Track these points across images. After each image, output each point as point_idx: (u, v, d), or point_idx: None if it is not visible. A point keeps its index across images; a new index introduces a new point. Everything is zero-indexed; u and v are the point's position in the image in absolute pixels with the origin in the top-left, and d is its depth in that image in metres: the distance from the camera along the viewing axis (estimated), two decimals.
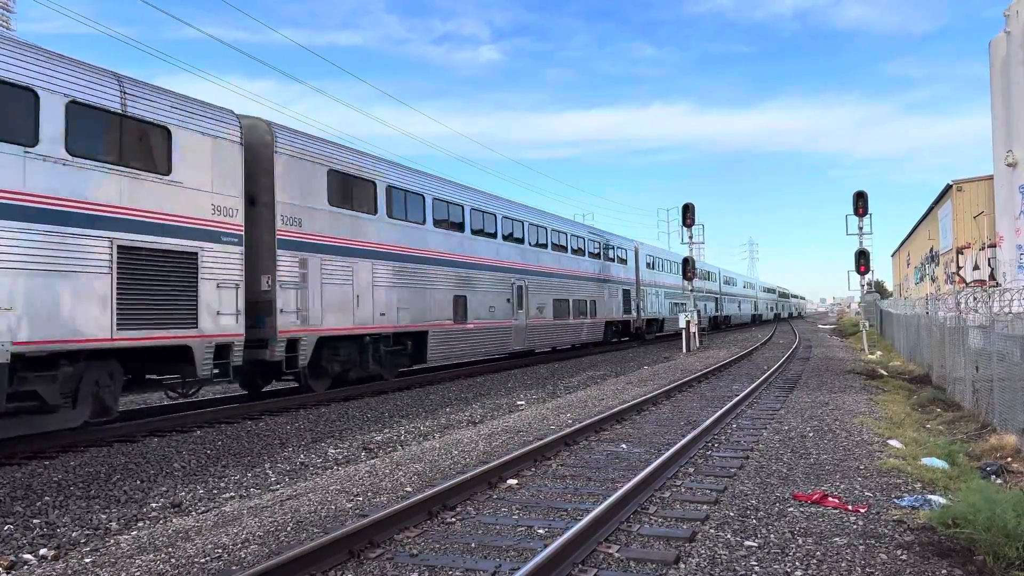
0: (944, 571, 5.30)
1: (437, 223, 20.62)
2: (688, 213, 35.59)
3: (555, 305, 28.01)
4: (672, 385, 16.89)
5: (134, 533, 6.97)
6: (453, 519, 6.78)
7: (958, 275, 28.62)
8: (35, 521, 7.45)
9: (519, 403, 15.80)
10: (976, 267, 27.74)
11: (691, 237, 36.02)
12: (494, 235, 24.08)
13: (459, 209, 21.84)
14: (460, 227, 22.00)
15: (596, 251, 33.51)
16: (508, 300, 24.10)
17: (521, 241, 25.91)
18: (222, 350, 12.91)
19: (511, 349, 24.80)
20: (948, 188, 29.78)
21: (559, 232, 29.57)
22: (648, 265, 41.64)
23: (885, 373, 20.96)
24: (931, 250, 35.99)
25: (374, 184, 17.81)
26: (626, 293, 37.15)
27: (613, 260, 35.62)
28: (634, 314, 38.36)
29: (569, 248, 30.33)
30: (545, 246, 27.86)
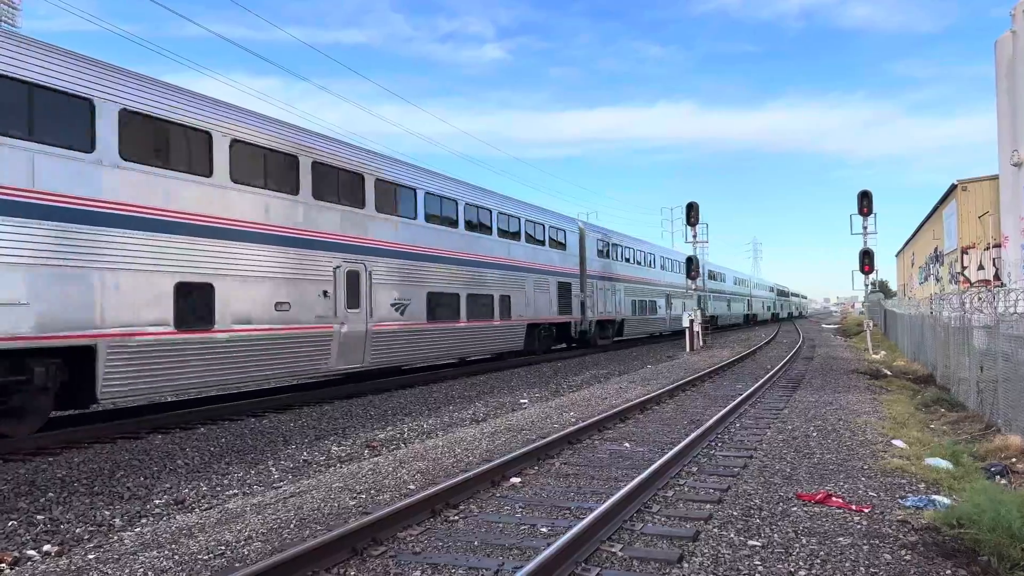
0: (948, 571, 5.28)
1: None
2: (692, 212, 35.54)
3: (431, 301, 19.69)
4: (675, 384, 16.86)
5: (137, 530, 6.98)
6: (456, 517, 6.77)
7: (963, 275, 28.55)
8: (39, 517, 7.46)
9: (522, 401, 15.80)
10: (981, 267, 27.68)
11: (695, 236, 35.96)
12: (288, 187, 15.07)
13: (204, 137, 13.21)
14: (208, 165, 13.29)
15: (512, 229, 25.08)
16: (325, 293, 15.72)
17: (360, 203, 17.23)
18: None
19: (332, 369, 16.26)
20: (953, 188, 29.71)
21: (441, 198, 20.81)
22: (600, 252, 33.67)
23: (889, 373, 20.92)
24: (936, 250, 35.91)
25: None
26: (564, 287, 28.92)
27: (543, 243, 27.52)
28: (578, 314, 30.36)
29: (462, 221, 21.66)
30: (412, 215, 19.30)
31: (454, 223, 21.31)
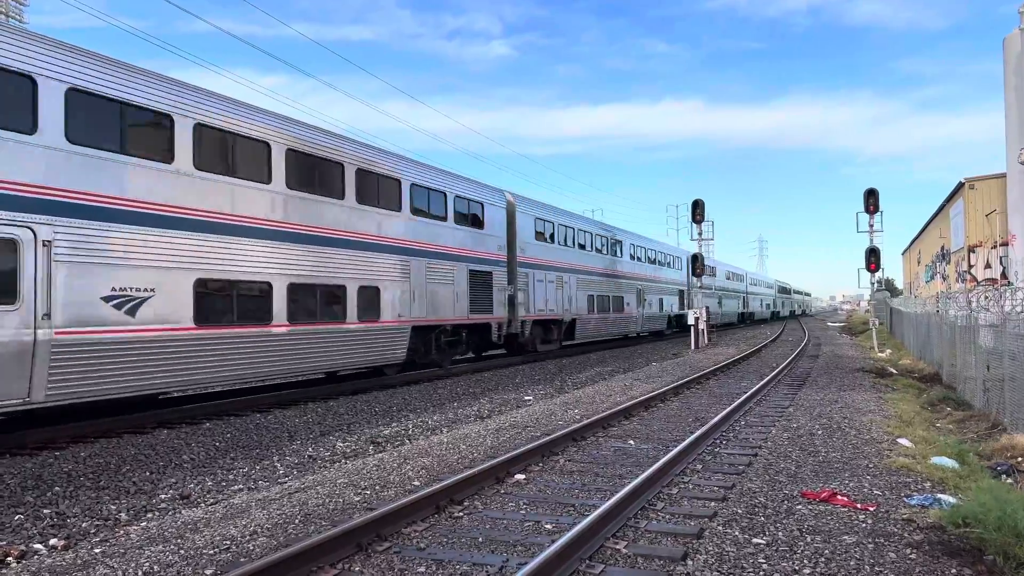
0: (954, 571, 5.27)
1: None
2: (697, 209, 35.44)
3: (205, 294, 12.84)
4: (680, 382, 16.85)
5: (143, 524, 7.01)
6: (460, 513, 6.78)
7: (969, 274, 28.45)
8: (45, 511, 7.50)
9: (527, 398, 15.81)
10: (988, 265, 27.59)
11: (700, 233, 35.89)
12: None
13: None
14: None
15: (388, 195, 17.96)
16: None
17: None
18: None
19: None
20: (960, 186, 29.61)
21: (235, 137, 13.76)
22: (541, 235, 27.01)
23: (895, 371, 20.87)
24: (942, 248, 35.80)
25: None
26: (482, 277, 22.31)
27: (443, 218, 20.39)
28: (502, 312, 23.50)
29: (281, 175, 14.70)
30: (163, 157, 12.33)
31: (265, 177, 14.26)
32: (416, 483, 8.00)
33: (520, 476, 8.20)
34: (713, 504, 6.99)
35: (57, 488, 8.38)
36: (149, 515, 7.41)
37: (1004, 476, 8.27)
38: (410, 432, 11.80)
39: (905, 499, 7.13)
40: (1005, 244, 25.40)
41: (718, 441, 10.20)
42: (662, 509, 6.84)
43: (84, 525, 7.06)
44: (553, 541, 5.60)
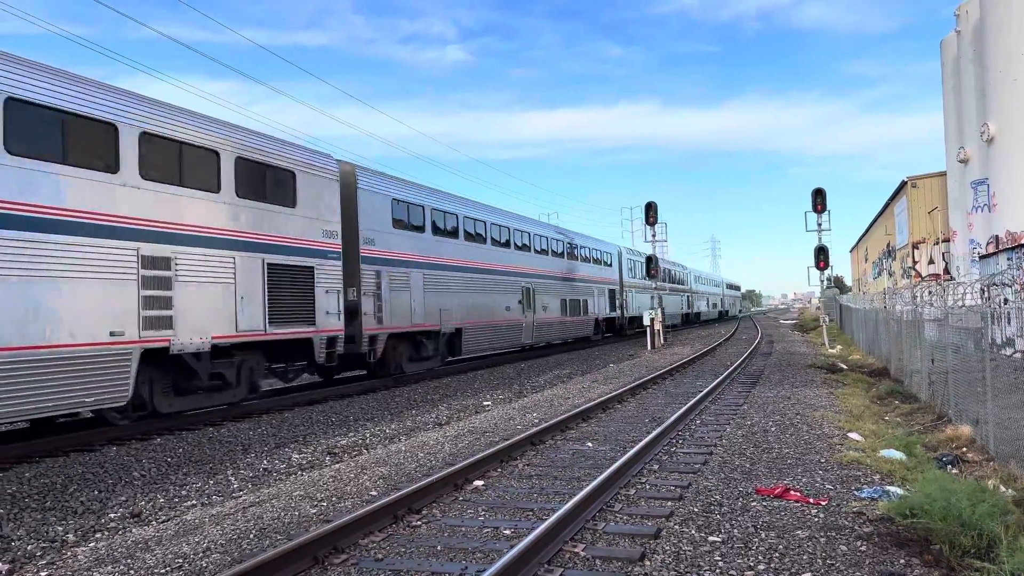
0: (902, 561, 5.40)
1: None
2: (651, 211, 35.89)
3: None
4: (637, 383, 17.00)
5: (92, 545, 6.82)
6: (419, 522, 6.74)
7: (914, 270, 29.26)
8: None
9: (485, 404, 15.78)
10: (931, 261, 28.39)
11: (654, 235, 36.30)
12: None
13: None
14: None
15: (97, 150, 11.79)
16: None
17: None
18: None
19: None
20: (904, 184, 30.43)
21: None
22: (402, 222, 20.46)
23: (845, 367, 21.33)
24: (888, 245, 36.74)
25: None
26: (293, 275, 15.80)
27: (212, 188, 13.94)
28: (338, 322, 16.99)
29: None
30: None
31: None
32: (373, 493, 7.93)
33: (479, 483, 8.18)
34: (670, 504, 7.06)
35: (0, 511, 8.11)
36: (98, 535, 7.21)
37: (949, 467, 8.50)
38: (367, 441, 11.70)
39: (855, 492, 7.29)
40: (947, 240, 26.17)
41: (674, 441, 10.31)
42: (620, 510, 6.88)
43: (30, 548, 6.84)
44: (512, 547, 5.59)
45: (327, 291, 16.63)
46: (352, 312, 17.90)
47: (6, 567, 6.32)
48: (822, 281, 34.36)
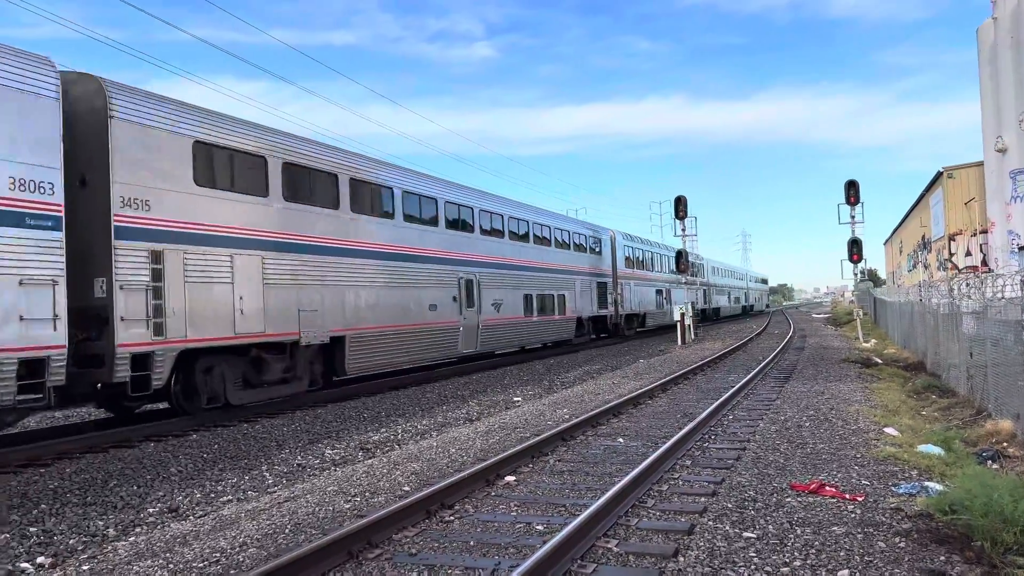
0: (942, 557, 5.31)
1: None
2: (680, 206, 35.57)
3: None
4: (668, 378, 16.90)
5: (132, 539, 6.94)
6: (451, 518, 6.77)
7: (951, 262, 28.72)
8: (32, 529, 7.41)
9: (516, 399, 15.80)
10: (968, 253, 27.85)
11: (684, 230, 36.01)
12: None
13: None
14: None
15: None
16: None
17: None
18: None
19: None
20: (939, 175, 29.89)
21: None
22: (212, 177, 13.74)
23: (880, 361, 21.03)
24: (923, 237, 36.11)
25: None
26: None
27: None
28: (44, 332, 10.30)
29: None
30: None
31: None
32: (406, 488, 7.97)
33: (510, 478, 8.19)
34: (703, 499, 7.01)
35: (43, 505, 8.29)
36: (137, 530, 7.35)
37: (990, 462, 8.35)
38: (399, 437, 11.77)
39: (893, 488, 7.18)
40: (985, 231, 25.66)
41: (707, 436, 10.24)
42: (652, 506, 6.85)
43: (71, 542, 6.99)
44: (544, 542, 5.60)
45: (22, 282, 10.12)
46: (94, 317, 11.70)
47: (49, 560, 6.47)
48: (856, 274, 33.85)
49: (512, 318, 24.89)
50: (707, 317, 56.99)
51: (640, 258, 40.30)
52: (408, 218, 19.34)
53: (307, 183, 15.81)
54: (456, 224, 21.84)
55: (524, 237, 26.66)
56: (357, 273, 17.12)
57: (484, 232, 23.52)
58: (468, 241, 22.46)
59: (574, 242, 31.65)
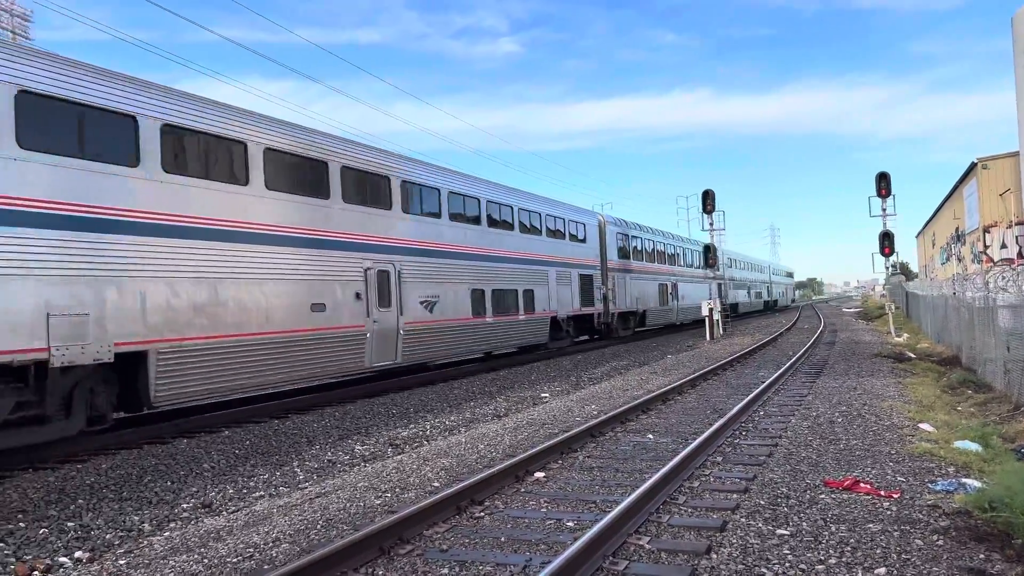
0: (982, 555, 5.21)
1: None
2: (708, 200, 35.28)
3: None
4: (697, 374, 16.78)
5: (166, 534, 7.04)
6: (481, 513, 6.77)
7: (985, 254, 28.21)
8: (69, 524, 7.54)
9: (543, 395, 15.78)
10: (1004, 245, 27.35)
11: (711, 224, 35.71)
12: None
13: None
14: None
15: None
16: None
17: None
18: None
19: None
20: (973, 166, 29.36)
21: None
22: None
23: (913, 356, 20.71)
24: (957, 230, 35.51)
25: None
26: None
27: None
28: None
29: None
30: None
31: None
32: (436, 484, 7.99)
33: (540, 474, 8.18)
34: (735, 496, 6.94)
35: (80, 501, 8.43)
36: (172, 525, 7.45)
37: None
38: (428, 433, 11.81)
39: (929, 485, 7.06)
40: (1021, 223, 25.15)
41: (737, 432, 10.15)
42: (684, 503, 6.80)
43: (108, 537, 7.10)
44: (575, 539, 5.58)
45: None
46: None
47: (87, 555, 6.57)
48: (887, 268, 33.36)
49: (453, 320, 19.69)
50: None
51: (639, 248, 34.69)
52: (270, 186, 14.02)
53: (99, 139, 11.21)
54: (363, 199, 16.62)
55: (474, 220, 21.37)
56: (179, 260, 12.08)
57: (413, 215, 18.44)
58: (383, 220, 17.19)
59: (547, 227, 26.04)
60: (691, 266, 42.78)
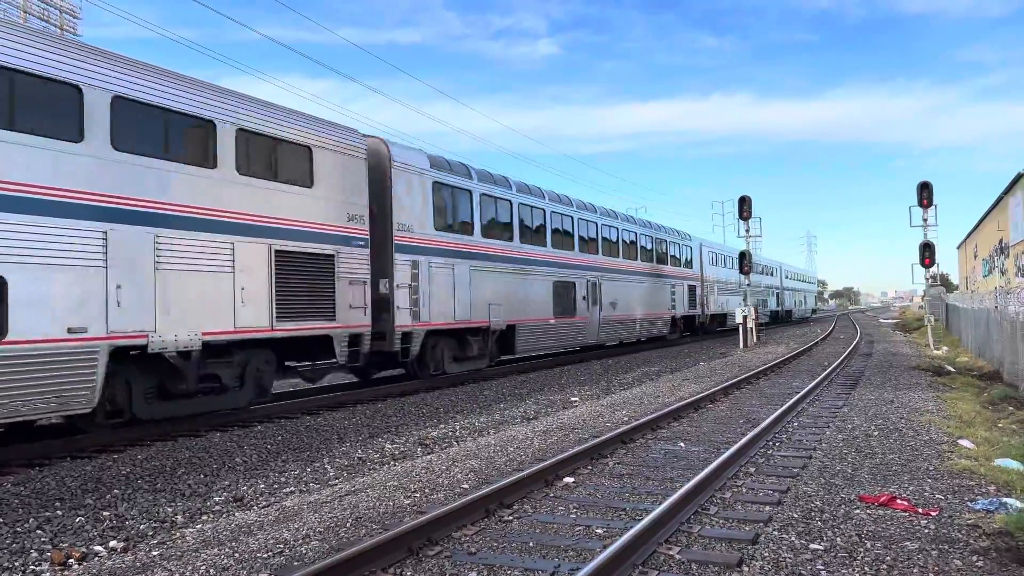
0: None
1: None
2: (744, 206, 34.88)
3: None
4: (730, 382, 16.59)
5: (198, 527, 7.12)
6: (510, 517, 6.75)
7: None
8: (105, 514, 7.67)
9: (573, 399, 15.72)
10: None
11: (748, 230, 35.32)
12: None
13: None
14: None
15: None
16: None
17: None
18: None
19: None
20: (1019, 176, 28.65)
21: None
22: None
23: (952, 370, 20.28)
24: (1001, 241, 34.67)
25: None
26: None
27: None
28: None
29: None
30: None
31: None
32: (465, 486, 7.99)
33: (569, 479, 8.14)
34: (768, 508, 6.84)
35: (116, 491, 8.57)
36: (204, 517, 7.54)
37: None
38: (457, 434, 11.82)
39: (969, 503, 6.90)
40: None
41: (771, 443, 10.01)
42: (715, 514, 6.72)
43: (142, 527, 7.21)
44: (605, 546, 5.54)
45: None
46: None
47: (121, 545, 6.67)
48: (927, 279, 32.71)
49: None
50: (701, 329, 41.31)
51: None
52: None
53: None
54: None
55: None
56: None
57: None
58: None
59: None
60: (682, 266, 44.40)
